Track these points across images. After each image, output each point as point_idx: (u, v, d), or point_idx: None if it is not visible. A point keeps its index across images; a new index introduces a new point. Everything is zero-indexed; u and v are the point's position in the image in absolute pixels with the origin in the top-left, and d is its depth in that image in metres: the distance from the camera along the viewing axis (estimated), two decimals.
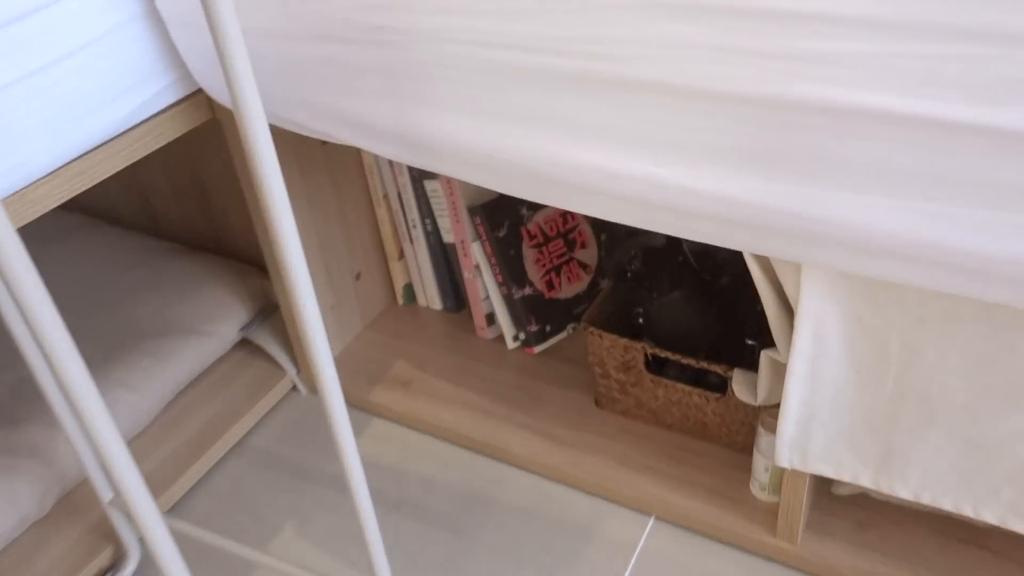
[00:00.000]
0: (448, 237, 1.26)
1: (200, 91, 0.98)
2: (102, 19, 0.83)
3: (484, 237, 1.19)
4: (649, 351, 1.02)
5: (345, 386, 1.23)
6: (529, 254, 1.22)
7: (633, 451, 1.07)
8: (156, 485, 1.09)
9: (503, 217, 1.19)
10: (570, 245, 1.25)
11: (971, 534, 0.92)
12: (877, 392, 0.76)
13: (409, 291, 1.38)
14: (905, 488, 0.80)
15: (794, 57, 0.56)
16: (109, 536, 1.02)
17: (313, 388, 1.27)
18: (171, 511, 1.10)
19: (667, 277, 1.03)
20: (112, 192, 1.51)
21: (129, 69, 0.87)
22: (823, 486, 0.98)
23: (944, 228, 0.56)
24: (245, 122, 0.57)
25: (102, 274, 1.36)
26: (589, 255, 1.27)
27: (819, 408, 0.80)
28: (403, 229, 1.31)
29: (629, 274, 1.06)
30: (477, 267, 1.23)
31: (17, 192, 0.81)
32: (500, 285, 1.21)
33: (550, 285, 1.24)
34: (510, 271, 1.20)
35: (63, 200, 0.85)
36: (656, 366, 1.06)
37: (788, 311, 0.80)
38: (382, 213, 1.30)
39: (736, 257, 1.02)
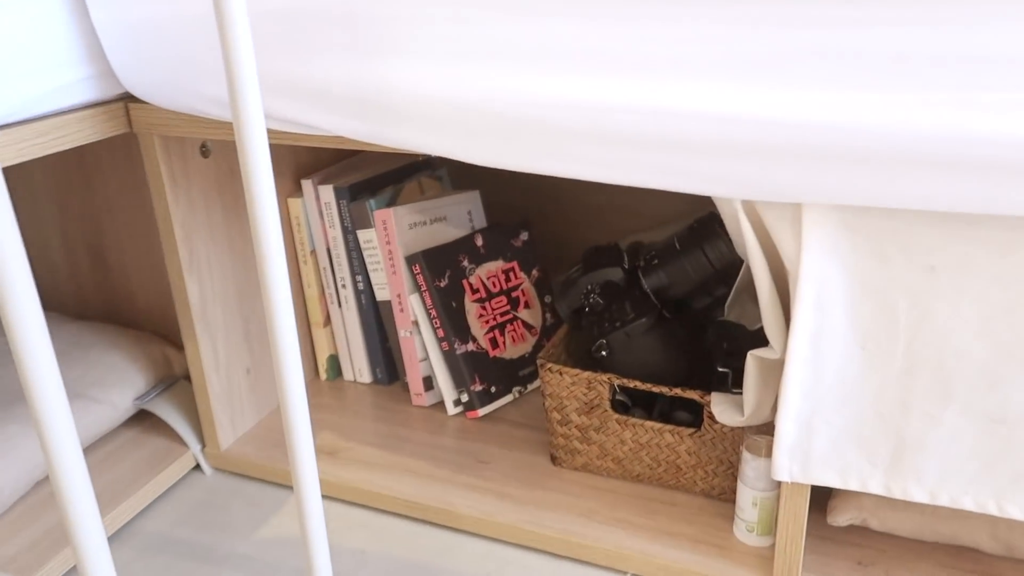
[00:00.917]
0: (382, 294, 1.16)
1: (117, 100, 0.89)
2: None
3: (424, 287, 1.10)
4: (616, 382, 0.93)
5: (258, 459, 1.07)
6: (472, 308, 1.13)
7: (600, 505, 0.94)
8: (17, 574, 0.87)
9: (444, 267, 1.11)
10: (513, 303, 1.18)
11: (979, 565, 0.83)
12: (886, 369, 0.69)
13: (334, 364, 1.25)
14: (920, 489, 0.72)
15: None
16: None
17: (219, 466, 1.09)
18: None
19: (629, 307, 0.96)
20: None
21: (33, 44, 0.77)
22: (817, 521, 0.88)
23: (975, 116, 0.53)
24: (243, 126, 0.48)
25: None
26: (533, 316, 1.20)
27: (822, 399, 0.72)
28: (331, 290, 1.20)
29: (587, 308, 0.99)
30: (415, 323, 1.13)
31: None
32: (441, 340, 1.11)
33: (494, 343, 1.14)
34: (452, 324, 1.10)
35: None
36: (621, 411, 0.96)
37: (782, 295, 0.74)
38: (308, 272, 1.19)
39: (696, 291, 0.98)
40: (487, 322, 1.14)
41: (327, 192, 1.13)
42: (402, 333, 1.14)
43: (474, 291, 1.14)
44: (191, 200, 0.97)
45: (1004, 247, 0.62)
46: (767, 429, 0.86)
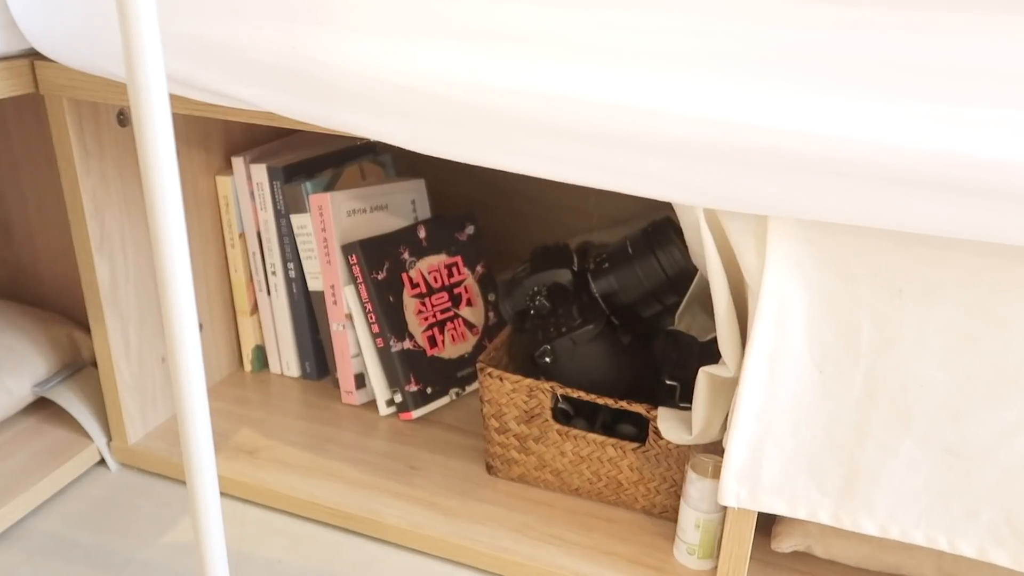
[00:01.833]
0: (315, 284, 1.09)
1: (22, 56, 0.80)
2: None
3: (360, 279, 1.03)
4: (559, 392, 0.88)
5: (170, 456, 0.98)
6: (410, 303, 1.07)
7: (535, 520, 0.89)
8: None
9: (383, 258, 1.05)
10: (455, 300, 1.12)
11: None
12: (844, 394, 0.65)
13: (260, 355, 1.17)
14: (870, 521, 0.69)
15: None
16: None
17: (126, 461, 1.00)
18: None
19: (576, 312, 0.91)
20: None
21: None
22: (761, 546, 0.85)
23: (959, 134, 0.49)
24: (139, 90, 0.40)
25: None
26: (476, 315, 1.14)
27: (775, 422, 0.68)
28: (260, 276, 1.12)
29: (532, 311, 0.93)
30: (349, 316, 1.06)
31: None
32: (376, 336, 1.04)
33: (432, 341, 1.08)
34: (388, 320, 1.04)
35: None
36: (562, 420, 0.91)
37: (739, 311, 0.70)
38: (235, 255, 1.11)
39: (646, 298, 0.93)
40: (426, 319, 1.08)
41: (260, 172, 1.05)
42: (334, 326, 1.07)
43: (414, 285, 1.07)
44: (104, 172, 0.88)
45: (974, 274, 0.59)
46: (714, 448, 0.82)
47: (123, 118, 0.90)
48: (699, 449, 0.83)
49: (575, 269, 0.96)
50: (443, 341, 1.09)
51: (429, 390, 1.07)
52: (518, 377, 0.89)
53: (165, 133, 0.39)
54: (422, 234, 1.09)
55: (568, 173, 0.63)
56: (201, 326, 1.09)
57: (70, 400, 1.01)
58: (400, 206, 1.12)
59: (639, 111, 0.55)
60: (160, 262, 0.41)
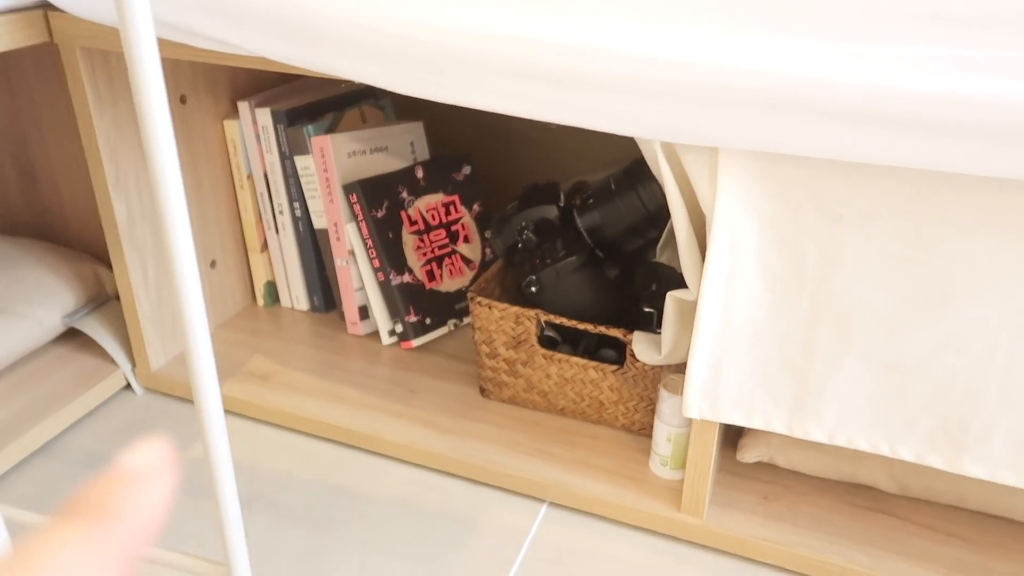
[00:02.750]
0: (319, 222, 1.15)
1: (36, 7, 0.86)
2: None
3: (361, 217, 1.09)
4: (543, 318, 0.94)
5: (188, 381, 1.06)
6: (409, 240, 1.13)
7: (523, 437, 0.97)
8: None
9: (382, 197, 1.11)
10: (452, 237, 1.18)
11: (876, 502, 0.87)
12: (792, 316, 0.71)
13: (271, 290, 1.25)
14: (819, 429, 0.75)
15: None
16: None
17: (150, 386, 1.09)
18: None
19: (561, 245, 0.97)
20: None
21: None
22: (728, 458, 0.92)
23: (879, 70, 0.54)
24: (130, 36, 0.45)
25: None
26: (472, 251, 1.20)
27: (731, 341, 0.74)
28: (268, 216, 1.19)
29: (520, 244, 0.99)
30: (351, 253, 1.12)
31: None
32: (376, 270, 1.11)
33: (431, 275, 1.15)
34: (388, 255, 1.10)
35: None
36: (548, 346, 0.98)
37: (700, 239, 0.75)
38: (244, 196, 1.18)
39: (629, 232, 0.99)
40: (424, 255, 1.14)
41: (264, 115, 1.11)
42: (338, 262, 1.14)
43: (412, 223, 1.14)
44: (117, 116, 0.95)
45: (906, 201, 0.64)
46: (685, 369, 0.88)
47: None
48: (671, 370, 0.90)
49: (561, 205, 1.02)
50: (441, 275, 1.16)
51: (428, 321, 1.14)
52: (505, 305, 0.95)
53: (154, 69, 0.44)
54: (420, 174, 1.15)
55: (541, 111, 0.68)
56: (214, 263, 1.16)
57: (97, 330, 1.10)
58: (399, 148, 1.18)
59: (597, 52, 0.60)
60: (154, 171, 0.46)
